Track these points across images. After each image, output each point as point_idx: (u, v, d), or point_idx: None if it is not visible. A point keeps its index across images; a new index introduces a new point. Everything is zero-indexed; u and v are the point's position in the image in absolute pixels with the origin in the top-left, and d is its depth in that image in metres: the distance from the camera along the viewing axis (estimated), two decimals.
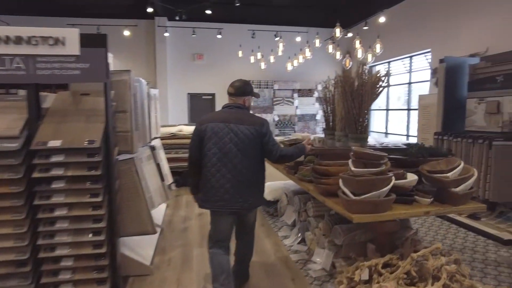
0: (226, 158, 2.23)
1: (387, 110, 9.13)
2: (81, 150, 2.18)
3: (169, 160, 5.48)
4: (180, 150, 5.69)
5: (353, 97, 2.86)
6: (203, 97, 10.32)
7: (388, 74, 2.85)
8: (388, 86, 2.99)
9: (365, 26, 7.51)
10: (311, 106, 10.39)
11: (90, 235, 2.23)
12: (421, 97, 4.76)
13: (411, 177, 2.17)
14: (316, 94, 10.38)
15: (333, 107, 3.36)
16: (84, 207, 2.20)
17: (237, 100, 2.43)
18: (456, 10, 6.26)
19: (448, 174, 2.12)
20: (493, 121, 3.77)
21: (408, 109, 8.21)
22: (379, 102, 9.51)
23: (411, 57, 8.08)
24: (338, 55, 6.72)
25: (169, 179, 4.59)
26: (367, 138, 2.90)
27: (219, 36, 9.08)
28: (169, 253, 3.24)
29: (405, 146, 2.79)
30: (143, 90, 3.34)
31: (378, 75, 2.80)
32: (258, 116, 2.47)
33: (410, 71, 8.15)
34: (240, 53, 8.44)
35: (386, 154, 2.09)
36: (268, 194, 4.02)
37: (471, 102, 4.05)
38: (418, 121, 4.82)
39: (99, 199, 2.21)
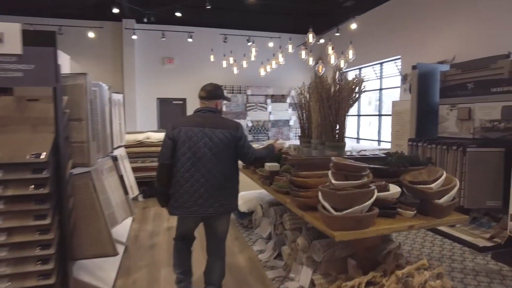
0: (200, 162, 2.22)
1: (358, 115, 9.22)
2: (25, 166, 1.88)
3: (136, 169, 5.14)
4: (147, 158, 5.36)
5: (330, 103, 2.73)
6: (174, 102, 9.97)
7: (363, 80, 2.75)
8: (364, 91, 2.88)
9: (337, 33, 7.54)
10: (285, 112, 10.32)
11: (38, 264, 1.92)
12: (394, 103, 4.77)
13: (394, 189, 2.05)
14: (289, 100, 10.33)
15: (308, 114, 3.22)
16: (28, 231, 1.89)
17: (209, 104, 2.41)
18: (425, 18, 6.40)
19: (431, 186, 2.01)
20: (465, 127, 3.79)
21: (380, 115, 8.32)
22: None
23: (381, 63, 8.21)
24: (311, 61, 6.67)
25: (134, 191, 4.28)
26: (344, 146, 2.78)
27: (190, 40, 8.82)
28: (134, 274, 2.94)
29: (383, 155, 2.69)
30: (104, 95, 3.05)
31: (355, 80, 2.69)
32: (232, 120, 2.46)
33: (380, 78, 8.27)
34: (212, 58, 8.22)
35: (367, 165, 1.95)
36: (242, 205, 3.82)
37: (443, 109, 4.06)
38: (392, 127, 4.81)
39: (46, 221, 1.91)
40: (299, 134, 3.70)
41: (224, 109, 9.72)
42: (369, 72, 8.87)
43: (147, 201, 5.32)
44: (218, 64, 8.72)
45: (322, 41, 8.25)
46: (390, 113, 7.22)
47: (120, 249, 3.24)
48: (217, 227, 2.39)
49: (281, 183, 2.70)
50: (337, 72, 2.76)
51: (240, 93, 10.04)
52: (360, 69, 9.10)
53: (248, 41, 8.62)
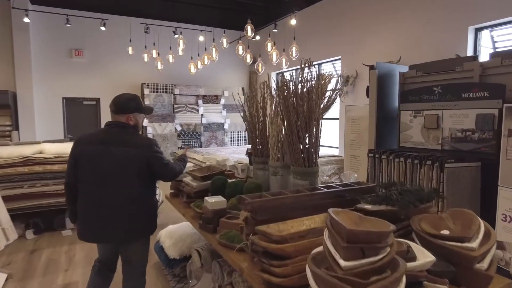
0: (104, 184, 2.06)
1: None
2: None
3: (21, 197, 3.75)
4: (38, 181, 3.97)
5: (297, 112, 1.92)
6: (85, 102, 8.31)
7: (339, 76, 2.01)
8: (339, 93, 2.15)
9: (274, 29, 6.88)
10: (219, 114, 9.38)
11: None
12: (348, 108, 4.21)
13: (422, 255, 1.30)
14: (223, 101, 9.43)
15: (263, 125, 2.36)
16: None
17: (119, 118, 2.17)
18: (364, 17, 6.06)
19: (473, 245, 1.31)
20: (432, 136, 3.33)
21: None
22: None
23: (320, 64, 7.80)
24: (248, 58, 5.86)
25: (10, 235, 2.96)
26: (317, 172, 1.99)
27: (103, 29, 7.33)
28: None
29: (368, 185, 1.96)
30: None
31: (331, 76, 1.93)
32: (144, 137, 2.30)
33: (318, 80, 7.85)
34: (130, 50, 6.89)
35: (392, 226, 1.16)
36: (170, 248, 2.81)
37: (405, 115, 3.58)
38: (345, 135, 4.25)
39: None
40: (248, 150, 2.84)
41: None
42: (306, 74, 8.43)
43: (40, 239, 3.94)
44: (138, 58, 7.41)
45: (258, 37, 7.53)
46: (333, 116, 6.84)
47: None
48: (130, 256, 2.21)
49: (232, 233, 1.80)
50: (305, 67, 1.97)
51: (166, 92, 8.81)
52: (296, 70, 8.62)
53: (175, 33, 7.47)
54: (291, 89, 1.91)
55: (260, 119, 2.33)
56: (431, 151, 3.29)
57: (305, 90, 1.88)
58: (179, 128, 8.90)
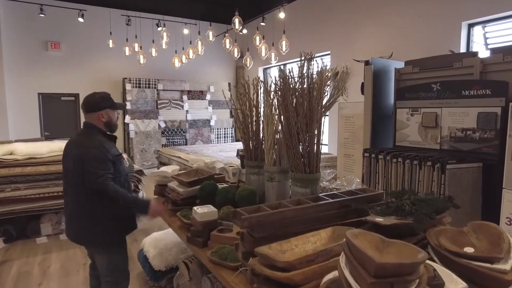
0: (65, 184, 2.17)
1: None
2: None
3: None
4: (9, 185, 3.64)
5: (297, 111, 1.72)
6: (63, 98, 7.88)
7: (347, 72, 1.85)
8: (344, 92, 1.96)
9: (262, 22, 6.64)
10: (204, 111, 9.10)
11: None
12: (342, 106, 4.06)
13: (451, 280, 1.13)
14: (208, 97, 9.15)
15: (257, 125, 2.15)
16: None
17: (90, 117, 2.15)
18: (354, 11, 5.91)
19: (505, 267, 1.15)
20: (430, 135, 3.20)
21: None
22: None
23: (309, 59, 7.62)
24: (236, 52, 5.62)
25: None
26: (319, 178, 1.80)
27: (81, 20, 6.93)
28: None
29: (373, 192, 1.79)
30: None
31: (335, 71, 1.75)
32: (93, 139, 2.09)
33: (308, 76, 7.68)
34: (110, 43, 6.53)
35: (423, 253, 0.97)
36: (155, 259, 2.58)
37: (402, 113, 3.44)
38: (339, 134, 4.09)
39: None
40: (239, 151, 2.63)
41: (129, 106, 8.04)
42: (294, 70, 8.25)
43: (11, 249, 3.62)
44: (119, 51, 7.05)
45: (245, 31, 7.28)
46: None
47: None
48: (96, 261, 2.21)
49: (226, 249, 1.59)
50: (305, 60, 1.77)
51: (149, 87, 8.47)
52: (284, 65, 8.43)
53: (158, 25, 7.13)
54: (291, 85, 1.70)
55: (254, 119, 2.12)
56: (429, 150, 3.16)
57: (305, 86, 1.68)
58: (163, 125, 8.58)
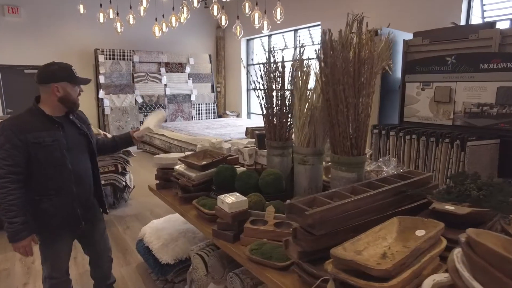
0: None
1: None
2: None
3: None
4: None
5: (345, 82, 1.47)
6: (26, 71, 7.10)
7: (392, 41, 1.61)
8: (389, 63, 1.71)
9: None
10: (184, 84, 8.60)
11: None
12: None
13: None
14: (188, 70, 8.63)
15: (281, 102, 1.88)
16: None
17: (42, 91, 1.79)
18: None
19: None
20: (442, 111, 3.08)
21: None
22: None
23: (295, 30, 7.29)
24: (224, 20, 5.18)
25: None
26: (365, 161, 1.59)
27: None
28: None
29: (425, 174, 1.60)
30: None
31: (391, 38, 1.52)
32: (13, 118, 1.77)
33: (295, 48, 7.37)
34: (81, 8, 5.83)
35: None
36: (161, 251, 2.31)
37: (412, 87, 3.28)
38: None
39: None
40: (253, 129, 2.37)
41: (102, 80, 7.39)
42: (278, 41, 7.91)
43: None
44: (91, 18, 6.36)
45: None
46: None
47: None
48: (99, 235, 2.13)
49: (267, 246, 1.37)
50: (355, 21, 1.51)
51: (124, 59, 7.83)
52: (269, 36, 8.05)
53: None
54: (339, 53, 1.44)
55: (280, 93, 1.84)
56: (440, 126, 3.05)
57: (362, 54, 1.42)
58: (140, 100, 8.03)
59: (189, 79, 8.64)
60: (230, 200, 1.55)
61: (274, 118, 1.91)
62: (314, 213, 1.12)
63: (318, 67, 1.60)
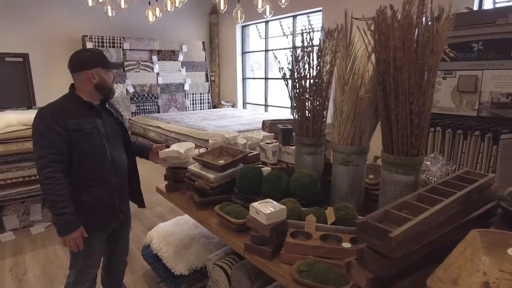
0: None
1: (266, 79, 7.98)
2: None
3: None
4: None
5: (412, 72, 1.24)
6: (7, 59, 6.61)
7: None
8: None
9: None
10: (177, 73, 8.23)
11: None
12: None
13: None
14: (181, 58, 8.26)
15: (317, 90, 1.64)
16: None
17: (75, 79, 1.73)
18: None
19: None
20: (466, 101, 2.89)
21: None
22: (259, 71, 8.31)
23: (294, 16, 7.00)
24: (222, 5, 4.85)
25: None
26: (422, 163, 1.38)
27: None
28: None
29: (487, 176, 1.40)
30: None
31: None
32: (50, 105, 1.66)
33: (293, 34, 7.09)
34: None
35: None
36: (173, 260, 2.07)
37: None
38: None
39: None
40: (274, 123, 2.13)
41: None
42: (275, 28, 7.61)
43: None
44: (78, 1, 5.93)
45: None
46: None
47: None
48: (125, 237, 2.06)
49: (319, 266, 1.15)
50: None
51: (114, 47, 7.41)
52: (266, 22, 7.74)
53: None
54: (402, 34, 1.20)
55: (317, 81, 1.60)
56: (463, 118, 2.86)
57: (427, 35, 1.19)
58: (131, 90, 7.65)
59: (182, 67, 8.28)
60: (268, 210, 1.32)
61: (307, 112, 1.67)
62: (398, 235, 0.89)
63: (368, 52, 1.36)
